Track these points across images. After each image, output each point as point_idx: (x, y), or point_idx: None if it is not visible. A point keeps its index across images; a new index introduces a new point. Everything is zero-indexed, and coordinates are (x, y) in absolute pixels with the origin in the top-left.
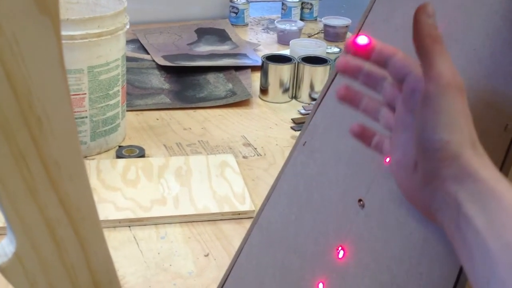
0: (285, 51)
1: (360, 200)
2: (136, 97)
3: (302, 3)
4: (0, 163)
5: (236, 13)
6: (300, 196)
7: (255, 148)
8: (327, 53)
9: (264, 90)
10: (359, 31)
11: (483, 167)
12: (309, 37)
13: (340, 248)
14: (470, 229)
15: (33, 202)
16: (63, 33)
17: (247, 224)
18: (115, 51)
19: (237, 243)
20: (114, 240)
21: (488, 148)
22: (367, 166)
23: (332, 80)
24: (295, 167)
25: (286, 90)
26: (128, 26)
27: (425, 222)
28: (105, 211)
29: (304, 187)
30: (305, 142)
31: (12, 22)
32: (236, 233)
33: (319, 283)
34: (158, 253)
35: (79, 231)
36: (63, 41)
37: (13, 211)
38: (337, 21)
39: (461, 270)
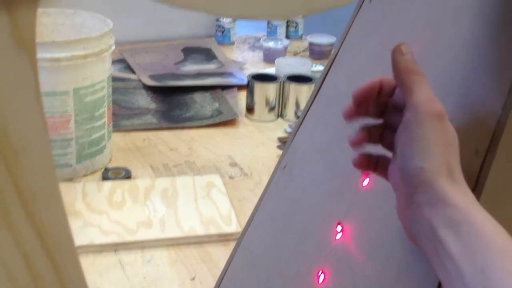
0: (271, 70)
1: (338, 224)
2: (123, 117)
3: (288, 21)
4: None
5: (222, 32)
6: (282, 219)
7: (242, 168)
8: (312, 71)
9: (250, 109)
10: (336, 54)
11: (458, 193)
12: (294, 55)
13: (320, 272)
14: (446, 254)
15: (9, 234)
16: (49, 55)
17: (234, 246)
18: (101, 72)
19: (223, 266)
20: (99, 265)
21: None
22: (346, 190)
23: (311, 104)
24: (277, 189)
25: (272, 109)
26: (113, 47)
27: (403, 244)
28: (91, 235)
29: (286, 210)
30: (286, 165)
31: None
32: (222, 255)
33: None
34: (144, 278)
35: (55, 259)
36: (49, 64)
37: None
38: (322, 39)
39: None
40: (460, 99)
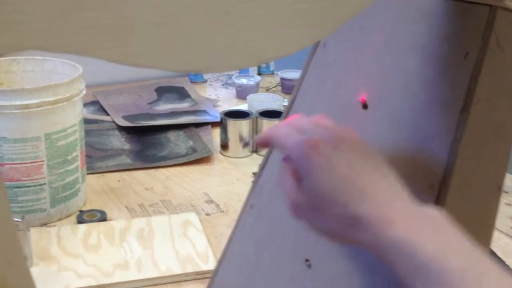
0: (244, 106)
1: (307, 260)
2: (97, 159)
3: None
4: None
5: None
6: (250, 258)
7: (218, 205)
8: (284, 106)
9: (224, 146)
10: (294, 97)
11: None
12: (267, 90)
13: None
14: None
15: None
16: (19, 102)
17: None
18: (72, 117)
19: None
20: None
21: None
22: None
23: None
24: (244, 229)
25: (246, 145)
26: (84, 92)
27: (371, 278)
28: (67, 280)
29: (254, 249)
30: (252, 205)
31: None
32: None
33: None
34: None
35: None
36: (19, 110)
37: None
38: (293, 74)
39: None
40: (412, 135)
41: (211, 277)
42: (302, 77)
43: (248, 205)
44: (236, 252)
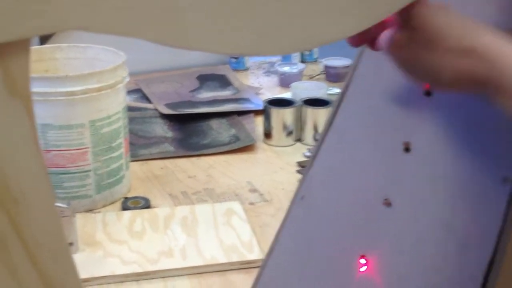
0: (287, 94)
1: (362, 256)
2: (140, 146)
3: None
4: None
5: (237, 58)
6: (301, 252)
7: (262, 194)
8: (329, 94)
9: (267, 134)
10: (348, 84)
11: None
12: (310, 78)
13: None
14: None
15: (14, 283)
16: (64, 89)
17: (256, 273)
18: (116, 104)
19: None
20: None
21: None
22: (366, 221)
23: (326, 134)
24: (295, 222)
25: (290, 133)
26: (127, 79)
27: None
28: (112, 266)
29: (305, 243)
30: (303, 196)
31: None
32: (245, 283)
33: None
34: None
35: None
36: (64, 97)
37: None
38: (338, 62)
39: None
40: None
41: (259, 269)
42: (357, 62)
43: (299, 196)
44: (286, 245)
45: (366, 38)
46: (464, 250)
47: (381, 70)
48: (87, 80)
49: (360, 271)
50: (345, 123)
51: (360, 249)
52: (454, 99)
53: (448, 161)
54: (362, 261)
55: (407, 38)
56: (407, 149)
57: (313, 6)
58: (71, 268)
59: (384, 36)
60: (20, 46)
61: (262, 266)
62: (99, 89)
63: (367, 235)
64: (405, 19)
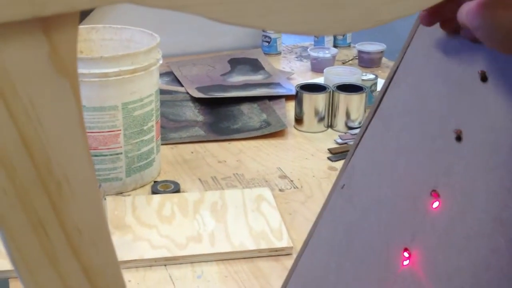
0: (319, 79)
1: (405, 249)
2: (171, 130)
3: None
4: (17, 232)
5: (269, 42)
6: (340, 243)
7: (292, 181)
8: (362, 80)
9: (299, 120)
10: (397, 67)
11: None
12: (343, 63)
13: None
14: None
15: (53, 271)
16: (97, 70)
17: (285, 261)
18: (149, 86)
19: (275, 282)
20: (150, 280)
21: None
22: (412, 213)
23: (370, 121)
24: (334, 211)
25: (321, 119)
26: (161, 61)
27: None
28: (141, 250)
29: (344, 234)
30: (344, 185)
31: (28, 85)
32: (273, 271)
33: None
34: None
35: None
36: (98, 79)
37: (31, 279)
38: (371, 47)
39: None
40: None
41: (295, 259)
42: (407, 44)
43: (339, 186)
44: (324, 235)
45: (439, 17)
46: None
47: (432, 53)
48: (121, 62)
49: (403, 265)
50: (391, 109)
51: (404, 242)
52: (511, 85)
53: (502, 151)
54: (406, 254)
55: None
56: (458, 138)
57: None
58: (112, 257)
59: (467, 6)
60: (70, 21)
61: (298, 256)
62: (133, 71)
63: (412, 228)
64: None
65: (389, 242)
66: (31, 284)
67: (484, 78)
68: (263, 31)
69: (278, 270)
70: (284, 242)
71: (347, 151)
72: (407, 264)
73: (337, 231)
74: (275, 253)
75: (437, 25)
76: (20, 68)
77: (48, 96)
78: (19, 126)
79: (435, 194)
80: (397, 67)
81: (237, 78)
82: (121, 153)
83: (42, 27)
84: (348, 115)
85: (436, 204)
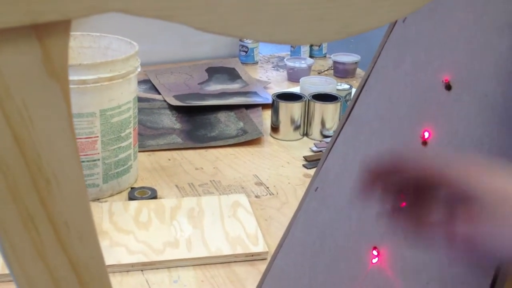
0: (295, 89)
1: (374, 248)
2: (148, 137)
3: None
4: (8, 225)
5: (246, 52)
6: (313, 244)
7: (268, 187)
8: (337, 89)
9: (275, 128)
10: (368, 76)
11: None
12: (319, 74)
13: None
14: None
15: (42, 262)
16: (76, 77)
17: (261, 266)
18: (127, 94)
19: (250, 287)
20: (127, 285)
21: None
22: (382, 213)
23: (342, 126)
24: (308, 213)
25: (297, 128)
26: (139, 69)
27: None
28: (118, 255)
29: (317, 235)
30: (317, 187)
31: (21, 87)
32: (249, 275)
33: None
34: None
35: None
36: (76, 86)
37: (20, 271)
38: (346, 58)
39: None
40: (505, 119)
41: (269, 260)
42: (377, 55)
43: (313, 188)
44: (298, 236)
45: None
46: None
47: (401, 63)
48: (99, 69)
49: (372, 263)
50: (363, 115)
51: (372, 241)
52: (475, 93)
53: (465, 153)
54: (375, 252)
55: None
56: (424, 142)
57: None
58: (97, 250)
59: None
60: (61, 28)
61: (272, 257)
62: (111, 79)
63: (381, 227)
64: None
65: (359, 241)
66: (19, 274)
67: (448, 87)
68: (241, 40)
69: (254, 275)
70: (260, 247)
71: None
72: (376, 262)
73: (311, 233)
74: (251, 258)
75: (406, 36)
76: (14, 71)
77: (40, 98)
78: (13, 125)
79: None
80: (368, 76)
81: (215, 87)
82: (99, 160)
83: (36, 33)
84: (323, 123)
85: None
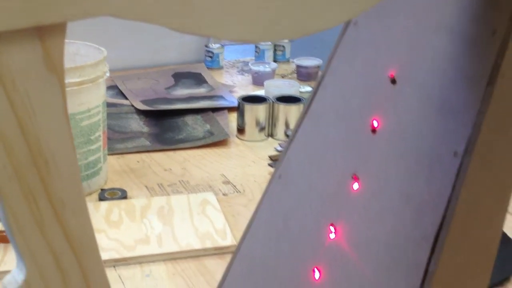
0: (260, 92)
1: (331, 225)
2: (117, 141)
3: (275, 46)
4: (12, 199)
5: (211, 57)
6: (277, 226)
7: (234, 186)
8: (300, 92)
9: (241, 130)
10: (324, 74)
11: None
12: (282, 77)
13: (316, 269)
14: None
15: (41, 235)
16: None
17: (229, 258)
18: (96, 98)
19: (220, 277)
20: None
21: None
22: (337, 194)
23: (302, 120)
24: (272, 198)
25: (262, 129)
26: (108, 74)
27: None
28: None
29: (281, 217)
30: (280, 175)
31: (25, 80)
32: (219, 267)
33: None
34: None
35: (81, 261)
36: None
37: (23, 243)
38: (309, 62)
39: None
40: (440, 107)
41: (238, 242)
42: (332, 55)
43: (276, 176)
44: (263, 221)
45: None
46: (419, 215)
47: (353, 61)
48: (69, 74)
49: (329, 238)
50: (320, 109)
51: (330, 219)
52: (415, 86)
53: (409, 141)
54: (332, 229)
55: None
56: (374, 131)
57: None
58: (89, 225)
59: None
60: (59, 29)
61: (241, 239)
62: (80, 83)
63: (337, 206)
64: None
65: (318, 220)
66: (22, 245)
67: (393, 81)
68: (206, 46)
69: (223, 267)
70: (228, 241)
71: None
72: (333, 238)
73: (275, 216)
74: (220, 251)
75: (357, 38)
76: (19, 67)
77: (40, 89)
78: (17, 112)
79: (355, 178)
80: (325, 73)
81: (181, 92)
82: None
83: (38, 34)
84: (287, 124)
85: (356, 186)
